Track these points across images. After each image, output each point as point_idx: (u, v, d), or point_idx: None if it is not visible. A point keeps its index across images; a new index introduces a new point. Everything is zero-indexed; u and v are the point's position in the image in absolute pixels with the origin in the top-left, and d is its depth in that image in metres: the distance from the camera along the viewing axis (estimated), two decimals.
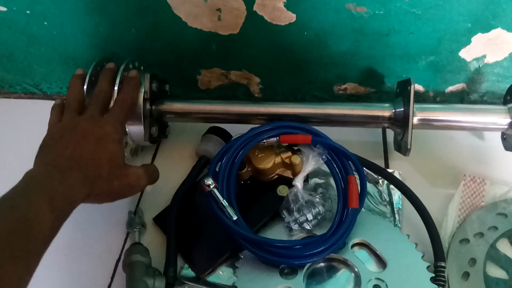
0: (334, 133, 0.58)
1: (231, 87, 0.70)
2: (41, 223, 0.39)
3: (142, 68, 0.63)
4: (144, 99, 0.56)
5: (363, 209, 0.55)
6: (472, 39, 0.58)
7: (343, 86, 0.68)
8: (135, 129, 0.57)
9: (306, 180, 0.56)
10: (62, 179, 0.43)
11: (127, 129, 0.57)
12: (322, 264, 0.51)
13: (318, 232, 0.52)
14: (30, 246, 0.38)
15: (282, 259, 0.49)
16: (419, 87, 0.66)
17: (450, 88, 0.65)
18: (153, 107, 0.59)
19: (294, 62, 0.65)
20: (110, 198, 0.50)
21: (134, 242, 0.53)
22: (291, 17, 0.58)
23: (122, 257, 0.52)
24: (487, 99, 0.66)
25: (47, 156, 0.47)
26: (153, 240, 0.56)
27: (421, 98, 0.67)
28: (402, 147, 0.56)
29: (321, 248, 0.49)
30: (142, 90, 0.57)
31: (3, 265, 0.35)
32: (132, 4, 0.60)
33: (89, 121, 0.50)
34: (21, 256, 0.36)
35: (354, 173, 0.53)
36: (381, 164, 0.61)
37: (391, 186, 0.57)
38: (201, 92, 0.71)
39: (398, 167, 0.61)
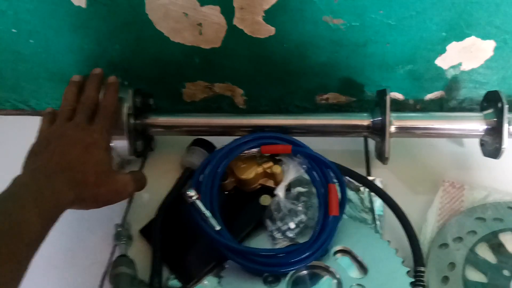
0: (319, 143, 0.59)
1: (216, 99, 0.71)
2: (30, 226, 0.40)
3: (126, 83, 0.64)
4: (128, 114, 0.57)
5: (345, 216, 0.56)
6: (447, 47, 0.60)
7: (325, 96, 0.69)
8: (120, 144, 0.58)
9: (288, 189, 0.57)
10: (48, 184, 0.44)
11: (112, 144, 0.58)
12: (305, 272, 0.52)
13: (301, 240, 0.53)
14: (19, 250, 0.38)
15: (265, 267, 0.50)
16: (398, 96, 0.67)
17: (429, 96, 0.67)
18: (138, 121, 0.60)
19: (276, 74, 0.66)
20: (96, 204, 0.50)
21: (120, 255, 0.54)
22: (270, 30, 0.60)
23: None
24: (465, 106, 0.67)
25: (35, 162, 0.48)
26: (140, 252, 0.56)
27: (401, 106, 0.68)
28: (381, 156, 0.57)
29: (303, 256, 0.50)
30: (126, 105, 0.58)
31: None
32: (115, 21, 0.61)
33: (76, 129, 0.51)
34: (9, 259, 0.37)
35: (335, 181, 0.54)
36: (363, 171, 0.63)
37: (373, 193, 0.58)
38: (186, 105, 0.72)
39: (380, 174, 0.62)
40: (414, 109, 0.69)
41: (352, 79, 0.66)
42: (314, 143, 0.58)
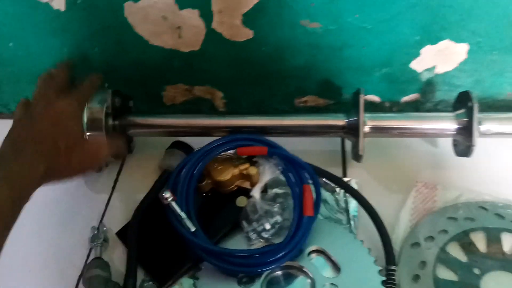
0: (297, 144, 0.61)
1: (196, 102, 0.71)
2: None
3: (106, 84, 0.64)
4: (106, 113, 0.58)
5: (320, 217, 0.57)
6: (422, 51, 0.61)
7: (303, 99, 0.70)
8: None
9: (265, 190, 0.58)
10: (17, 158, 0.45)
11: None
12: (279, 272, 0.52)
13: (277, 241, 0.53)
14: None
15: (240, 268, 0.51)
16: (375, 98, 0.68)
17: (405, 98, 0.68)
18: (116, 121, 0.60)
19: (255, 77, 0.67)
20: (69, 172, 0.50)
21: (95, 257, 0.54)
22: (248, 33, 0.61)
23: None
24: (441, 108, 0.68)
25: (4, 142, 0.48)
26: (116, 254, 0.57)
27: (377, 108, 0.69)
28: (356, 154, 0.58)
29: (277, 256, 0.50)
30: (104, 105, 0.58)
31: None
32: (95, 24, 0.62)
33: (44, 103, 0.51)
34: None
35: (310, 182, 0.55)
36: (339, 172, 0.64)
37: (348, 194, 0.59)
38: (167, 108, 0.73)
39: (356, 175, 0.63)
40: (390, 112, 0.70)
41: (330, 82, 0.67)
42: (292, 144, 0.59)
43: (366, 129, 0.58)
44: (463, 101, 0.58)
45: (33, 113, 0.50)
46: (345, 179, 0.61)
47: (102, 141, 0.53)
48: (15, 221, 0.41)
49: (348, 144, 0.66)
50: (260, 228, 0.54)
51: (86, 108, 0.57)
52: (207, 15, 0.59)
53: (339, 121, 0.59)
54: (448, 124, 0.57)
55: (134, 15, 0.60)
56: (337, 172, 0.64)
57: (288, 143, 0.59)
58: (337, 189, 0.60)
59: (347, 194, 0.58)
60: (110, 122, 0.59)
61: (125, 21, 0.60)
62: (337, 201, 0.59)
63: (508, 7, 0.55)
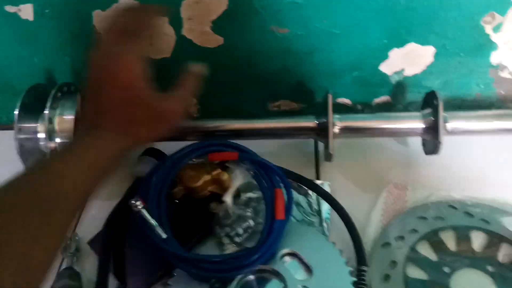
0: (271, 147, 0.62)
1: None
2: (74, 178, 0.40)
3: (78, 91, 0.64)
4: (76, 119, 0.58)
5: (294, 220, 0.57)
6: (390, 54, 0.62)
7: (276, 103, 0.71)
8: None
9: (238, 195, 0.58)
10: (96, 134, 0.44)
11: None
12: (252, 276, 0.53)
13: (250, 245, 0.54)
14: (61, 201, 0.38)
15: (212, 273, 0.51)
16: (347, 101, 0.69)
17: (376, 101, 0.69)
18: None
19: (227, 82, 0.67)
20: (151, 139, 0.50)
21: (65, 267, 0.54)
22: (219, 39, 0.61)
23: None
24: (411, 109, 0.69)
25: (83, 112, 0.48)
26: (89, 264, 0.56)
27: (350, 111, 0.70)
28: (326, 154, 0.59)
29: (249, 261, 0.50)
30: (74, 112, 0.58)
31: (30, 216, 0.35)
32: (64, 34, 0.62)
33: (105, 62, 0.46)
34: (49, 209, 0.37)
35: (281, 185, 0.55)
36: (313, 174, 0.64)
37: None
38: None
39: (329, 176, 0.63)
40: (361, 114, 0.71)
41: (302, 86, 0.68)
42: (267, 147, 0.61)
43: (336, 129, 0.59)
44: (430, 101, 0.59)
45: (98, 80, 0.47)
46: (318, 182, 0.61)
47: (175, 102, 0.51)
48: (89, 197, 0.42)
49: (322, 146, 0.67)
50: (232, 233, 0.54)
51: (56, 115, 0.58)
52: (176, 23, 0.59)
53: (310, 122, 0.60)
54: (415, 123, 0.59)
55: (102, 23, 0.60)
56: (311, 174, 0.65)
57: (263, 147, 0.60)
58: (310, 192, 0.60)
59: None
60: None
61: (94, 29, 0.60)
62: (310, 203, 0.60)
63: (472, 9, 0.57)
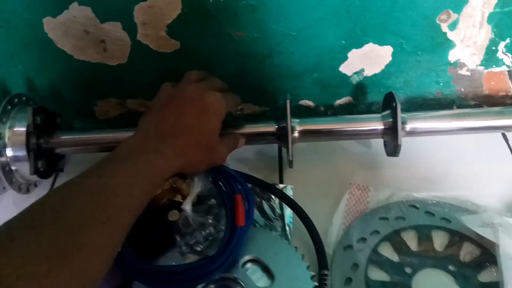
0: (236, 152, 0.60)
1: (130, 116, 0.70)
2: (128, 193, 0.39)
3: (30, 103, 0.62)
4: (28, 132, 0.56)
5: (257, 225, 0.57)
6: (348, 54, 0.62)
7: (239, 107, 0.70)
8: (21, 164, 0.56)
9: (200, 202, 0.57)
10: (159, 149, 0.44)
11: (13, 168, 0.56)
12: (212, 286, 0.52)
13: (211, 253, 0.52)
14: (113, 215, 0.37)
15: (172, 285, 0.50)
16: (309, 103, 0.69)
17: (338, 102, 0.69)
18: (41, 140, 0.58)
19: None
20: (199, 169, 0.52)
21: None
22: (175, 44, 0.60)
23: None
24: (374, 109, 0.69)
25: (150, 121, 0.48)
26: None
27: (313, 113, 0.70)
28: (287, 160, 0.58)
29: (210, 269, 0.49)
30: (26, 124, 0.56)
31: (78, 229, 0.34)
32: (15, 42, 0.60)
33: (197, 88, 0.51)
34: (102, 222, 0.35)
35: (241, 191, 0.54)
36: (276, 178, 0.64)
37: None
38: (100, 123, 0.71)
39: (293, 180, 0.63)
40: (325, 116, 0.70)
41: (263, 89, 0.67)
42: (232, 153, 0.59)
43: (296, 134, 0.58)
44: (389, 102, 0.59)
45: (185, 93, 0.50)
46: (280, 186, 0.61)
47: (226, 150, 0.54)
48: (140, 212, 0.41)
49: (285, 150, 0.66)
50: (192, 242, 0.53)
51: (6, 128, 0.56)
52: (130, 28, 0.58)
53: (270, 128, 0.59)
54: (375, 125, 0.58)
55: (54, 30, 0.58)
56: (274, 178, 0.64)
57: None
58: (273, 196, 0.59)
59: None
60: (34, 141, 0.57)
61: (46, 36, 0.59)
62: (272, 208, 0.59)
63: (427, 8, 0.57)
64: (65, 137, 0.59)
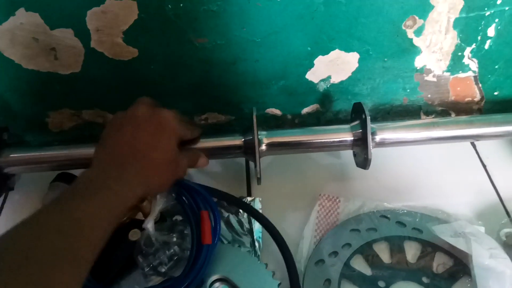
0: None
1: (87, 127, 0.66)
2: (96, 226, 0.38)
3: None
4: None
5: (224, 241, 0.54)
6: (315, 61, 0.60)
7: (203, 116, 0.67)
8: None
9: (164, 219, 0.53)
10: (120, 178, 0.42)
11: None
12: None
13: (176, 274, 0.49)
14: (80, 251, 0.36)
15: None
16: (276, 111, 0.67)
17: (306, 110, 0.67)
18: None
19: (147, 96, 0.62)
20: (159, 191, 0.49)
21: None
22: (133, 51, 0.57)
23: None
24: (341, 117, 0.68)
25: (106, 150, 0.46)
26: None
27: (280, 121, 0.68)
28: (257, 179, 0.56)
29: None
30: None
31: (47, 270, 0.33)
32: None
33: (149, 107, 0.49)
34: (69, 261, 0.34)
35: (207, 207, 0.51)
36: (244, 190, 0.61)
37: None
38: (54, 135, 0.66)
39: (261, 192, 0.60)
40: (292, 124, 0.68)
41: (227, 97, 0.64)
42: None
43: (263, 147, 0.56)
44: (357, 112, 0.57)
45: (135, 116, 0.48)
46: (248, 199, 0.58)
47: (186, 162, 0.51)
48: (104, 244, 0.39)
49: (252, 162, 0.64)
50: (156, 262, 0.50)
51: None
52: (83, 34, 0.54)
53: (236, 141, 0.57)
54: (344, 136, 0.56)
55: (0, 38, 0.53)
56: (242, 190, 0.61)
57: None
58: (241, 210, 0.57)
59: None
60: None
61: None
62: (241, 222, 0.56)
63: (393, 14, 0.56)
64: (14, 155, 0.55)
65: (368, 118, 0.53)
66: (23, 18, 0.52)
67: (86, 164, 0.56)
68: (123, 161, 0.44)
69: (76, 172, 0.59)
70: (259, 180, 0.55)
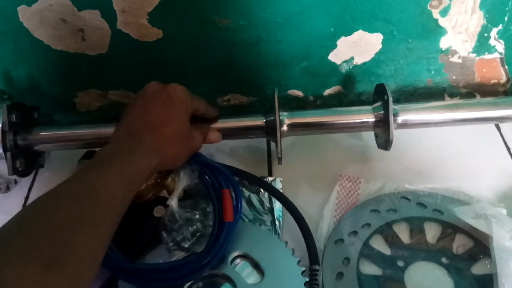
0: (222, 144, 0.59)
1: (113, 107, 0.67)
2: (110, 194, 0.39)
3: (5, 96, 0.59)
4: (3, 131, 0.53)
5: (246, 219, 0.55)
6: (338, 42, 0.60)
7: (226, 97, 0.68)
8: None
9: (186, 197, 0.55)
10: (132, 149, 0.44)
11: None
12: (201, 283, 0.50)
13: (198, 250, 0.51)
14: (99, 216, 0.37)
15: (159, 283, 0.48)
16: (298, 93, 0.67)
17: (328, 91, 0.67)
18: (18, 137, 0.56)
19: (171, 77, 0.62)
20: (174, 164, 0.51)
21: None
22: (158, 33, 0.58)
23: None
24: (364, 99, 0.68)
25: (121, 127, 0.48)
26: None
27: (302, 103, 0.68)
28: (277, 157, 0.56)
29: (198, 266, 0.48)
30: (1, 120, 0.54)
31: (68, 233, 0.34)
32: None
33: (158, 83, 0.51)
34: (90, 225, 0.36)
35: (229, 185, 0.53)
36: (265, 170, 0.62)
37: None
38: (81, 115, 0.68)
39: (282, 173, 0.61)
40: (314, 105, 0.68)
41: (250, 79, 0.65)
42: (219, 144, 0.58)
43: (284, 128, 0.56)
44: (380, 94, 0.57)
45: (146, 94, 0.50)
46: (269, 179, 0.59)
47: (200, 136, 0.53)
48: (124, 211, 0.41)
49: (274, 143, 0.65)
50: (179, 238, 0.51)
51: None
52: (110, 16, 0.55)
53: (258, 121, 0.57)
54: (366, 117, 0.56)
55: (30, 19, 0.55)
56: (263, 170, 0.62)
57: (216, 144, 0.57)
58: (262, 190, 0.58)
59: None
60: (10, 139, 0.55)
61: (22, 26, 0.56)
62: (262, 202, 0.57)
63: None
64: (44, 133, 0.57)
65: (391, 99, 0.53)
66: (52, 0, 0.53)
67: None
68: (136, 134, 0.47)
69: None
70: (280, 160, 0.55)
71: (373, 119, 0.56)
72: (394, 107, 0.55)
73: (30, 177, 0.63)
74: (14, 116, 0.55)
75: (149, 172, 0.45)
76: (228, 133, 0.58)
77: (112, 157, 0.43)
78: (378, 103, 0.56)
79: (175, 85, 0.51)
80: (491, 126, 0.65)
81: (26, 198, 0.61)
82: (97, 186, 0.39)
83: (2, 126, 0.53)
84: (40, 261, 0.32)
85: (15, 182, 0.60)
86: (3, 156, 0.54)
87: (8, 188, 0.59)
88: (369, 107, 0.57)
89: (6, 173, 0.55)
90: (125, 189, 0.41)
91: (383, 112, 0.55)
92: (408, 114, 0.56)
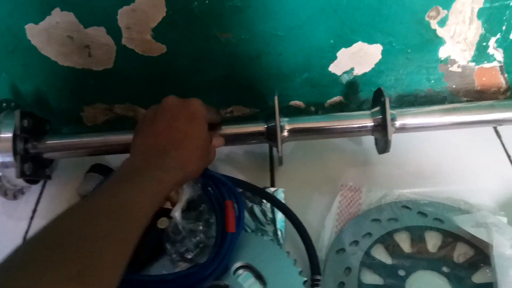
0: (225, 151, 0.61)
1: (118, 121, 0.69)
2: (140, 207, 0.41)
3: (13, 104, 0.61)
4: (15, 134, 0.55)
5: (248, 229, 0.56)
6: (338, 54, 0.61)
7: (229, 109, 0.69)
8: (8, 171, 0.56)
9: (191, 208, 0.56)
10: (162, 164, 0.46)
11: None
12: None
13: (202, 260, 0.52)
14: (128, 232, 0.38)
15: None
16: (299, 103, 0.68)
17: (329, 102, 0.68)
18: (28, 144, 0.57)
19: (175, 91, 0.63)
20: (194, 176, 0.52)
21: None
22: (161, 47, 0.59)
23: None
24: (365, 108, 0.68)
25: (145, 140, 0.49)
26: None
27: (303, 113, 0.69)
28: (278, 158, 0.57)
29: (200, 277, 0.49)
30: (12, 128, 0.56)
31: (98, 247, 0.35)
32: None
33: (177, 98, 0.52)
34: (117, 240, 0.37)
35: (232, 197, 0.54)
36: (267, 180, 0.63)
37: None
38: (88, 129, 0.70)
39: (284, 181, 0.62)
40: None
41: (252, 90, 0.66)
42: (223, 153, 0.60)
43: (285, 133, 0.58)
44: (378, 98, 0.58)
45: (167, 108, 0.51)
46: (271, 189, 0.60)
47: (214, 149, 0.56)
48: (147, 225, 0.42)
49: (276, 151, 0.65)
50: (183, 249, 0.52)
51: None
52: (115, 32, 0.57)
53: (259, 127, 0.59)
54: (364, 121, 0.58)
55: (37, 37, 0.57)
56: (265, 179, 0.63)
57: (219, 153, 0.58)
58: (264, 200, 0.59)
59: None
60: (21, 144, 0.56)
61: (29, 43, 0.58)
62: (264, 212, 0.58)
63: (415, 4, 0.56)
64: (53, 141, 0.59)
65: (387, 100, 0.55)
66: (59, 17, 0.55)
67: (119, 150, 0.59)
68: (163, 149, 0.48)
69: (110, 158, 0.62)
70: (281, 160, 0.56)
71: (372, 123, 0.57)
72: (392, 111, 0.56)
73: (37, 189, 0.64)
74: (26, 122, 0.57)
75: (173, 186, 0.46)
76: (230, 139, 0.60)
77: (142, 172, 0.44)
78: (376, 108, 0.58)
79: (194, 100, 0.53)
80: (491, 134, 0.65)
81: (35, 207, 0.63)
82: (129, 202, 0.40)
83: (15, 130, 0.55)
84: (66, 278, 0.31)
85: (22, 192, 0.62)
86: (13, 162, 0.55)
87: (15, 197, 0.60)
88: (367, 112, 0.58)
89: (15, 180, 0.56)
90: (152, 204, 0.42)
91: (381, 116, 0.56)
92: (406, 118, 0.57)
